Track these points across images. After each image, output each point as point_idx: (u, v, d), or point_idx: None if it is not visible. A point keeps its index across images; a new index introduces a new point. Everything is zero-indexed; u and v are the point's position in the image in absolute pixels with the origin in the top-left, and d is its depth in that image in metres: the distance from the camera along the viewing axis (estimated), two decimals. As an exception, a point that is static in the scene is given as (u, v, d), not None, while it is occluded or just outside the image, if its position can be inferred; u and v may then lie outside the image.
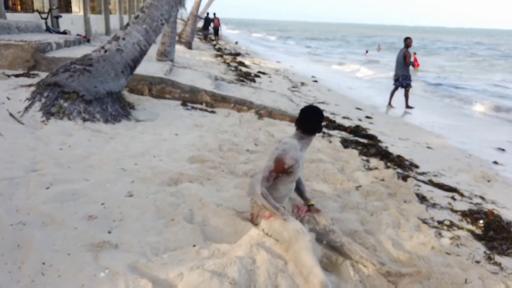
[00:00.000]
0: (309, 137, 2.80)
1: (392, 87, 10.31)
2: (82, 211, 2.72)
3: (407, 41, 9.69)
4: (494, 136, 8.08)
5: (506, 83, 17.49)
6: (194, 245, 2.51)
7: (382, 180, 4.36)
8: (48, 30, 11.77)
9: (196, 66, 12.26)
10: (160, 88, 6.84)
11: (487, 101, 12.03)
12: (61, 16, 13.12)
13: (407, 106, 10.01)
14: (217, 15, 28.83)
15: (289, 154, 2.65)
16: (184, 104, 6.71)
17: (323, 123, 2.76)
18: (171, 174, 3.59)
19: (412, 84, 10.35)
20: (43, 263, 2.13)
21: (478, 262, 2.94)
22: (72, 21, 14.60)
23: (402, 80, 9.86)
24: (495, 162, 6.02)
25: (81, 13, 15.63)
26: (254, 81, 11.33)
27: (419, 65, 20.42)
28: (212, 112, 6.59)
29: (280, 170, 2.67)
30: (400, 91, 10.15)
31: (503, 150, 6.87)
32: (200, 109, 6.60)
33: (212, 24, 28.93)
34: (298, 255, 2.38)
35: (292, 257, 2.43)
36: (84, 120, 4.76)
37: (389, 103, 10.35)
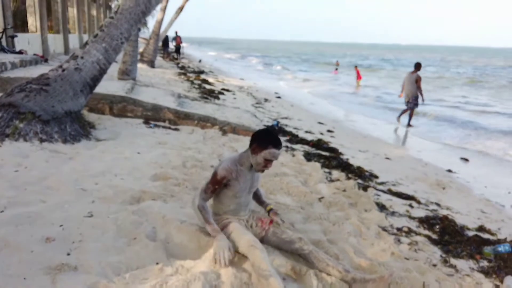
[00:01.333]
0: (247, 151, 2.74)
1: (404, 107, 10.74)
2: (39, 234, 2.62)
3: (418, 66, 10.34)
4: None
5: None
6: (157, 263, 2.48)
7: (344, 191, 4.48)
8: (2, 50, 11.42)
9: (159, 84, 12.20)
10: (121, 107, 6.75)
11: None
12: (16, 36, 12.76)
13: (409, 125, 10.55)
14: (179, 34, 28.82)
15: (221, 166, 2.70)
16: (146, 122, 6.64)
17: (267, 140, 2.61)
18: (133, 193, 3.54)
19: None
20: (-4, 290, 2.04)
21: (435, 265, 3.07)
22: (29, 40, 14.21)
23: (412, 101, 10.40)
24: (449, 170, 6.33)
25: (38, 32, 15.24)
26: (218, 98, 11.39)
27: (361, 78, 22.17)
28: (176, 129, 6.56)
29: (215, 182, 2.69)
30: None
31: (466, 160, 7.21)
32: (163, 127, 6.56)
33: (174, 42, 28.91)
34: (255, 265, 2.41)
35: (251, 265, 2.47)
36: (41, 140, 4.62)
37: (398, 119, 10.84)
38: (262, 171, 2.74)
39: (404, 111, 10.70)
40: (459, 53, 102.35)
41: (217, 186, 2.70)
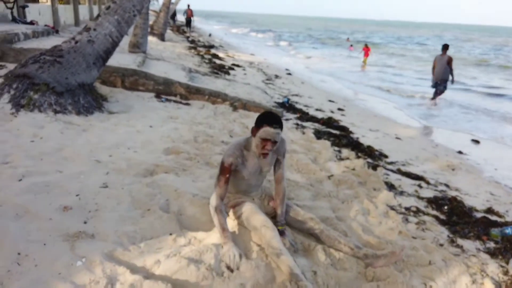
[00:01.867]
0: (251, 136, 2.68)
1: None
2: (57, 203, 2.71)
3: (446, 47, 10.42)
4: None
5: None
6: (170, 234, 2.56)
7: (353, 169, 4.51)
8: (14, 20, 11.39)
9: (169, 58, 12.15)
10: (133, 80, 6.77)
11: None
12: (27, 6, 12.69)
13: (433, 98, 10.83)
14: (191, 7, 28.35)
15: (226, 154, 2.64)
16: (158, 96, 6.67)
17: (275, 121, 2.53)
18: (146, 166, 3.60)
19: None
20: (19, 254, 2.13)
21: (441, 245, 3.11)
22: (40, 11, 14.13)
23: (442, 83, 10.51)
24: (460, 152, 6.31)
25: (49, 3, 15.14)
26: (229, 74, 11.33)
27: (368, 55, 21.20)
28: (187, 104, 6.58)
29: (225, 171, 2.62)
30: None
31: (477, 142, 7.17)
32: (175, 101, 6.58)
33: (185, 15, 28.39)
34: (266, 244, 2.46)
35: (262, 244, 2.52)
36: (56, 112, 4.68)
37: (433, 98, 10.93)
38: (263, 155, 2.61)
39: (436, 94, 10.80)
40: (474, 32, 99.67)
41: (227, 175, 2.63)
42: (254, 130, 2.59)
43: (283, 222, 2.79)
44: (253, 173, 2.74)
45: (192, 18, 28.75)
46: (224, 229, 2.51)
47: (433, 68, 10.63)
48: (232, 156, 2.62)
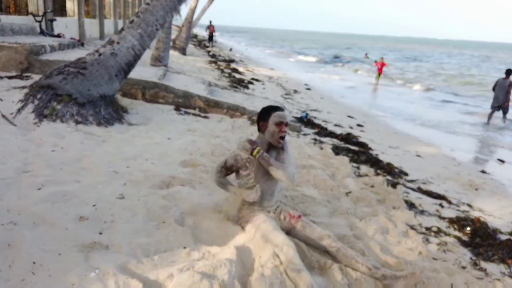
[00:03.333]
0: (259, 135, 2.87)
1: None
2: (73, 212, 2.73)
3: (509, 72, 10.80)
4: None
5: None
6: (184, 247, 2.53)
7: (372, 186, 4.42)
8: (42, 33, 11.76)
9: (190, 72, 12.32)
10: (153, 93, 6.87)
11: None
12: (55, 20, 13.11)
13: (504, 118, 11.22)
14: (212, 23, 29.31)
15: (232, 153, 2.88)
16: (177, 108, 6.73)
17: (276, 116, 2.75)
18: (163, 178, 3.61)
19: None
20: (34, 263, 2.13)
21: (464, 267, 2.99)
22: (67, 24, 14.59)
23: (505, 108, 11.03)
24: (483, 171, 6.12)
25: (76, 17, 15.63)
26: (248, 88, 11.40)
27: (382, 72, 20.54)
28: (205, 117, 6.62)
29: (225, 167, 2.91)
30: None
31: (502, 161, 6.97)
32: (193, 114, 6.63)
33: (207, 31, 29.87)
34: (287, 261, 2.41)
35: (282, 260, 2.46)
36: (77, 122, 4.77)
37: (488, 123, 11.22)
38: (282, 138, 2.76)
39: (491, 115, 11.17)
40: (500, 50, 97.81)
41: (228, 172, 2.92)
42: (264, 124, 2.80)
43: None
44: (262, 175, 2.78)
45: (214, 34, 29.83)
46: (230, 189, 2.92)
47: (494, 91, 11.02)
48: (235, 160, 2.83)
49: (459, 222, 3.85)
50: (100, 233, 2.57)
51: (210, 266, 2.30)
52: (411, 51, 65.89)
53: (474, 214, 4.20)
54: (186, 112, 6.64)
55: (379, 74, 20.36)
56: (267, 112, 2.81)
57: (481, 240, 3.52)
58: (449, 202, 4.44)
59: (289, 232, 2.77)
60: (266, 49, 45.35)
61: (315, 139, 6.41)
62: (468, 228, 3.73)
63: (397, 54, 50.63)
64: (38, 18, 11.92)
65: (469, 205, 4.48)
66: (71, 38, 13.19)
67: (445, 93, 18.31)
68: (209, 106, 6.94)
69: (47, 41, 9.22)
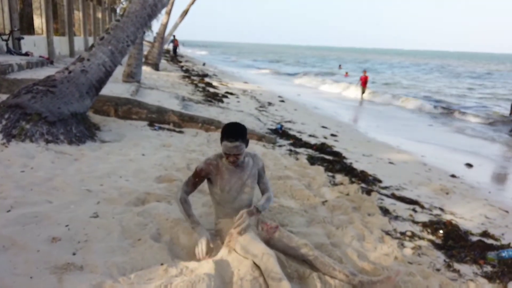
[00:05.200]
0: None
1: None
2: (45, 234, 2.65)
3: None
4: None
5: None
6: (162, 264, 2.50)
7: (347, 194, 4.49)
8: (9, 51, 11.50)
9: (163, 87, 12.25)
10: (126, 109, 6.79)
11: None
12: (23, 38, 12.86)
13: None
14: (176, 37, 32.21)
15: (204, 160, 2.84)
16: (151, 124, 6.68)
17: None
18: (138, 194, 3.56)
19: None
20: (4, 288, 2.06)
21: (438, 270, 3.07)
22: (35, 42, 14.32)
23: None
24: (453, 176, 6.32)
25: (44, 34, 15.37)
26: (222, 101, 11.42)
27: (366, 86, 19.16)
28: (180, 132, 6.59)
29: (195, 175, 2.85)
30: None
31: (470, 166, 7.20)
32: (168, 129, 6.59)
33: (171, 45, 33.13)
34: (268, 270, 2.41)
35: (262, 270, 2.46)
36: (47, 141, 4.66)
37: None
38: (232, 163, 2.73)
39: None
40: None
41: (197, 179, 2.84)
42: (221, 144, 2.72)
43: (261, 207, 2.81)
44: (232, 187, 2.80)
45: (177, 47, 33.88)
46: (190, 215, 2.76)
47: None
48: (206, 164, 2.80)
49: (432, 226, 3.95)
50: (74, 254, 2.50)
51: (189, 281, 2.27)
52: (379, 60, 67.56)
53: (446, 217, 4.32)
54: (160, 128, 6.59)
55: (363, 88, 19.09)
56: (222, 133, 2.66)
57: (454, 242, 3.62)
58: (422, 207, 4.56)
59: (267, 242, 2.77)
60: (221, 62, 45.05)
61: (291, 150, 6.47)
62: (441, 231, 3.83)
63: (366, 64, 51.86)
64: (5, 37, 11.67)
65: (441, 209, 4.61)
66: (40, 56, 12.94)
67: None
68: (184, 121, 6.92)
69: (14, 60, 9.02)
